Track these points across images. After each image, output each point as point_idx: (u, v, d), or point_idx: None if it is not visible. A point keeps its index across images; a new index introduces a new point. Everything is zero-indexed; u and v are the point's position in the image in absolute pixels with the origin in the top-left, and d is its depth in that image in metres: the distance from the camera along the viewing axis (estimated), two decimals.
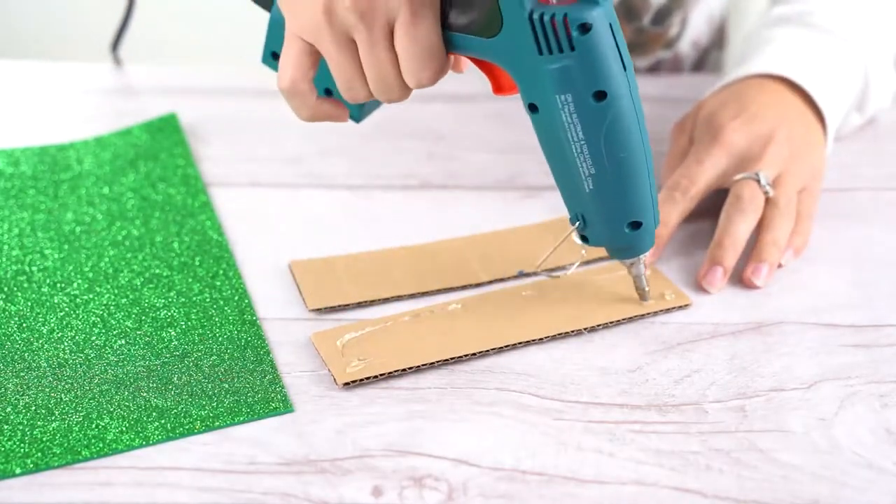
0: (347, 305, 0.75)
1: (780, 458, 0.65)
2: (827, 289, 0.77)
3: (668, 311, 0.75)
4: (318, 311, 0.75)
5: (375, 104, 0.76)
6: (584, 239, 0.72)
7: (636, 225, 0.70)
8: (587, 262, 0.79)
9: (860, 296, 0.77)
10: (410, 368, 0.70)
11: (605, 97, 0.64)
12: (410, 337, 0.72)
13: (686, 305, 0.75)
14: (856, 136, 0.93)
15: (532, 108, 0.67)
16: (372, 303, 0.76)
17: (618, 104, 0.65)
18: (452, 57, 0.69)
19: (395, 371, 0.70)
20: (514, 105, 0.98)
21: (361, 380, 0.69)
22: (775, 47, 0.87)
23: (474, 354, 0.71)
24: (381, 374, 0.70)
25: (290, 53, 0.68)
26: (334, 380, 0.70)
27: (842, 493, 0.63)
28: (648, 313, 0.75)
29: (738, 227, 0.78)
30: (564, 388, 0.69)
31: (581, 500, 0.63)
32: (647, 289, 0.75)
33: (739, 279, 0.78)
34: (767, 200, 0.79)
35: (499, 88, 0.68)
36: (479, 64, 0.68)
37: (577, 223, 0.71)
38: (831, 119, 0.85)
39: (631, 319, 0.74)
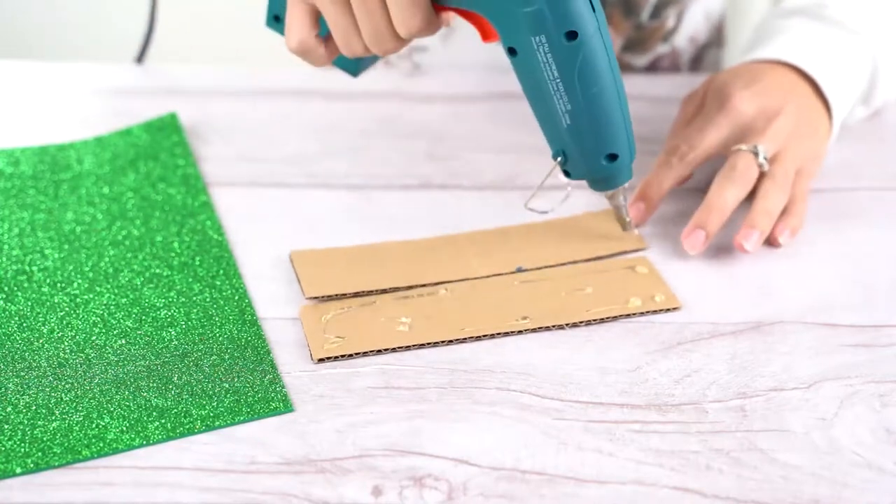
0: (345, 295, 0.76)
1: (780, 458, 0.65)
2: (827, 289, 0.77)
3: (666, 311, 0.75)
4: (315, 299, 0.75)
5: (372, 59, 0.80)
6: (566, 174, 0.76)
7: (613, 157, 0.74)
8: (585, 261, 0.80)
9: (860, 296, 0.77)
10: (386, 350, 0.71)
11: (577, 37, 0.68)
12: (394, 318, 0.74)
13: (675, 308, 0.75)
14: (858, 135, 0.93)
15: (511, 52, 0.70)
16: (369, 293, 0.76)
17: (588, 42, 0.69)
18: (442, 12, 0.72)
19: (371, 351, 0.71)
20: (513, 105, 0.98)
21: (336, 357, 0.71)
22: (788, 37, 0.88)
23: (451, 342, 0.72)
24: (356, 353, 0.71)
25: (294, 14, 0.73)
26: (311, 355, 0.71)
27: (842, 494, 0.63)
28: (635, 313, 0.75)
29: (726, 194, 0.79)
30: (564, 388, 0.69)
31: (581, 500, 0.63)
32: (628, 219, 0.80)
33: (739, 279, 0.78)
34: (761, 174, 0.80)
35: (485, 36, 0.71)
36: (464, 14, 0.71)
37: (559, 158, 0.74)
38: (837, 111, 0.86)
39: (616, 318, 0.74)
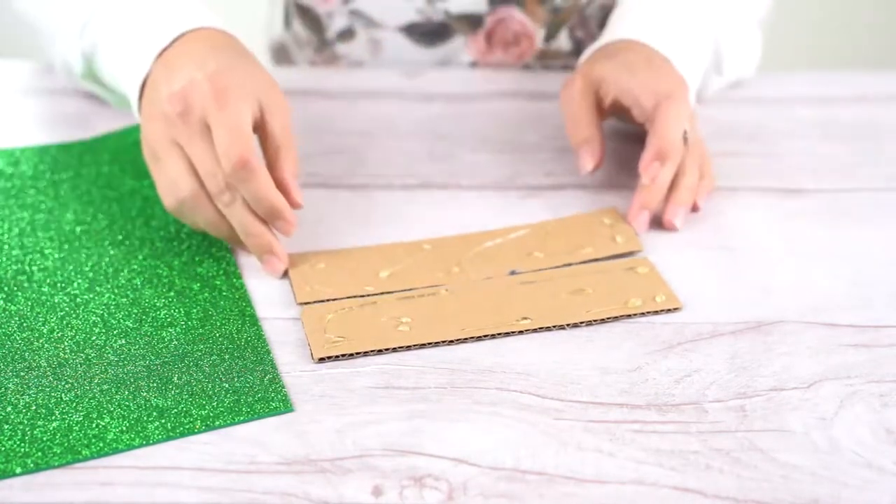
0: (336, 300, 0.76)
1: (780, 458, 0.65)
2: (827, 289, 0.77)
3: (667, 311, 0.75)
4: (308, 304, 0.76)
5: None
6: None
7: None
8: (584, 262, 0.80)
9: (860, 296, 0.77)
10: (387, 350, 0.71)
11: None
12: (395, 318, 0.74)
13: (675, 309, 0.75)
14: (856, 136, 0.93)
15: None
16: (361, 297, 0.76)
17: None
18: None
19: (372, 350, 0.71)
20: (514, 105, 0.98)
21: (338, 356, 0.71)
22: (633, 17, 0.90)
23: (451, 342, 0.72)
24: (356, 353, 0.71)
25: (172, 162, 0.76)
26: (311, 354, 0.71)
27: (842, 493, 0.63)
28: (636, 314, 0.75)
29: (662, 177, 0.82)
30: (564, 388, 0.69)
31: (581, 500, 0.63)
32: None
33: (739, 279, 0.78)
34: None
35: None
36: None
37: None
38: (687, 75, 0.87)
39: (617, 319, 0.74)
